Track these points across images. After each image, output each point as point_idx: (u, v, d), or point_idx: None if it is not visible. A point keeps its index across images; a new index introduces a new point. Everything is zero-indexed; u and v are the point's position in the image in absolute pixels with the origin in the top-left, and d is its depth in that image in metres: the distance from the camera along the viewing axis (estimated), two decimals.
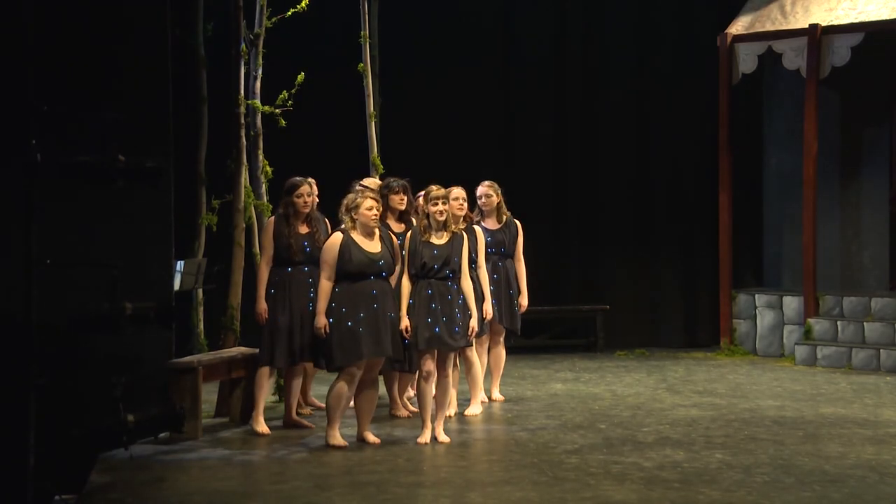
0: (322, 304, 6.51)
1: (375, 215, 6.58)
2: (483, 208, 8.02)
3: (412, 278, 6.65)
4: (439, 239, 6.67)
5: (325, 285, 6.53)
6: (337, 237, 6.56)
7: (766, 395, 8.38)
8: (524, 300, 7.99)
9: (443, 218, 6.65)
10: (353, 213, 6.57)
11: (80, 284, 6.27)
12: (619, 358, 10.54)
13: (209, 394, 7.51)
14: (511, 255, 7.96)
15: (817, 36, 10.09)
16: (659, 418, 7.44)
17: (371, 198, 6.62)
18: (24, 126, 5.67)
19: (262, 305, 6.98)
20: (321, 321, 6.48)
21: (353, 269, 6.50)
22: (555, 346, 11.00)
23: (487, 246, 7.62)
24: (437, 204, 6.64)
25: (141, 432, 6.02)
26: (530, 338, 11.03)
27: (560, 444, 6.59)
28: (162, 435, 6.48)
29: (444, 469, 5.98)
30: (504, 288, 7.88)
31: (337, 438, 6.58)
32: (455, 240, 6.70)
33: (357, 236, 6.54)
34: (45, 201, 5.70)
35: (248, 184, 8.32)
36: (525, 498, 5.32)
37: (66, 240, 6.28)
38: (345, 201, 6.70)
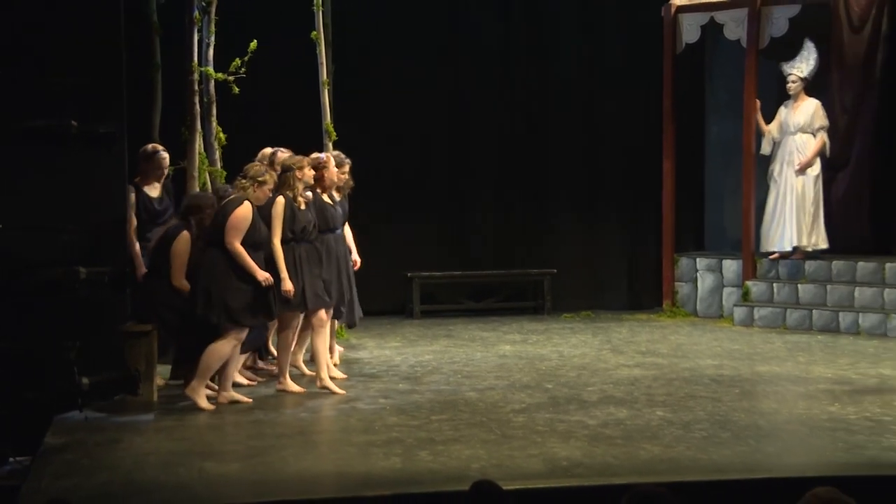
0: (285, 268, 6.76)
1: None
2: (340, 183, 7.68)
3: (288, 242, 6.83)
4: (304, 204, 6.99)
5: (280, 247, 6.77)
6: (281, 201, 6.81)
7: (705, 355, 8.48)
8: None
9: (311, 182, 7.06)
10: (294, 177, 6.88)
11: (33, 249, 6.17)
12: (565, 320, 10.59)
13: None
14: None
15: (757, 7, 10.13)
16: (603, 378, 7.49)
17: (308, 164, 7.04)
18: None
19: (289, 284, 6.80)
20: (289, 285, 6.72)
21: (298, 228, 6.82)
22: (503, 309, 11.02)
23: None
24: (303, 169, 7.00)
25: (96, 395, 5.97)
26: (479, 301, 11.07)
27: (508, 404, 6.62)
28: (117, 397, 6.43)
29: (395, 428, 5.97)
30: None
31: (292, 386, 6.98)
32: (310, 205, 7.06)
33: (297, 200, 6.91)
34: None
35: (202, 150, 8.22)
36: (474, 455, 5.34)
37: (19, 204, 6.16)
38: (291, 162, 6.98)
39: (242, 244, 6.50)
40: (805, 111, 10.13)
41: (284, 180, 6.88)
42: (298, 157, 7.09)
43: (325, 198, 7.26)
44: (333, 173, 7.31)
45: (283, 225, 6.82)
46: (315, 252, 7.06)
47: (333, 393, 6.91)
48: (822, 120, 10.15)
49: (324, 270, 7.10)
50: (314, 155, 7.42)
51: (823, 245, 10.17)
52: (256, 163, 6.93)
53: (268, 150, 7.41)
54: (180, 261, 6.67)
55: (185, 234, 6.72)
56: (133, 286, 6.74)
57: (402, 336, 9.52)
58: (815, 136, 10.13)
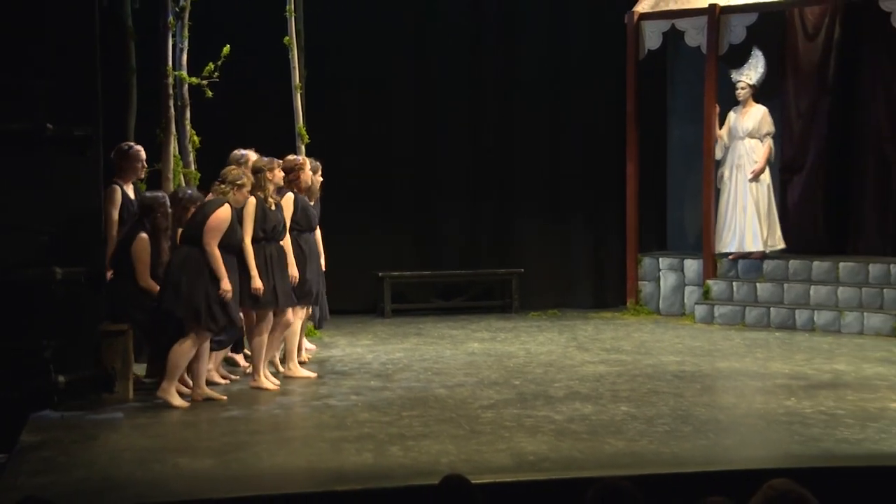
0: (255, 266, 6.82)
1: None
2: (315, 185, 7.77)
3: (259, 241, 6.87)
4: (274, 204, 7.05)
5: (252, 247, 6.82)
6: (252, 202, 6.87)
7: (667, 352, 8.53)
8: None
9: (281, 184, 7.14)
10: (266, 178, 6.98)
11: (10, 249, 6.11)
12: (532, 318, 10.62)
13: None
14: None
15: (716, 15, 10.23)
16: (569, 374, 7.52)
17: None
18: None
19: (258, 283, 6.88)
20: (258, 283, 6.77)
21: (269, 228, 6.94)
22: (472, 307, 11.03)
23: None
24: (273, 170, 7.07)
25: (72, 393, 5.92)
26: (449, 300, 11.09)
27: (477, 400, 6.63)
28: (93, 395, 6.38)
29: (366, 424, 5.97)
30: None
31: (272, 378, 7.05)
32: (279, 206, 7.09)
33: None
34: None
35: (177, 153, 8.18)
36: (443, 451, 5.34)
37: None
38: (261, 164, 7.04)
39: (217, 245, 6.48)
40: (753, 117, 10.25)
41: (256, 181, 6.91)
42: (269, 159, 7.11)
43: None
44: (308, 175, 7.36)
45: (255, 225, 6.86)
46: (299, 250, 7.15)
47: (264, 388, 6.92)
48: (769, 126, 10.28)
49: (307, 269, 7.19)
50: (290, 157, 7.45)
51: (781, 245, 10.29)
52: (233, 166, 6.90)
53: (238, 152, 7.36)
54: (143, 262, 6.66)
55: (143, 235, 6.69)
56: (108, 286, 6.70)
57: (374, 334, 9.52)
58: (762, 141, 10.25)
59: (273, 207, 7.00)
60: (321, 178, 7.69)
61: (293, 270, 7.02)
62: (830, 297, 9.79)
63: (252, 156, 7.19)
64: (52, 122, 6.14)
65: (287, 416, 6.26)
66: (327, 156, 9.36)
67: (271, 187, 6.98)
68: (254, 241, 6.84)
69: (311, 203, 7.54)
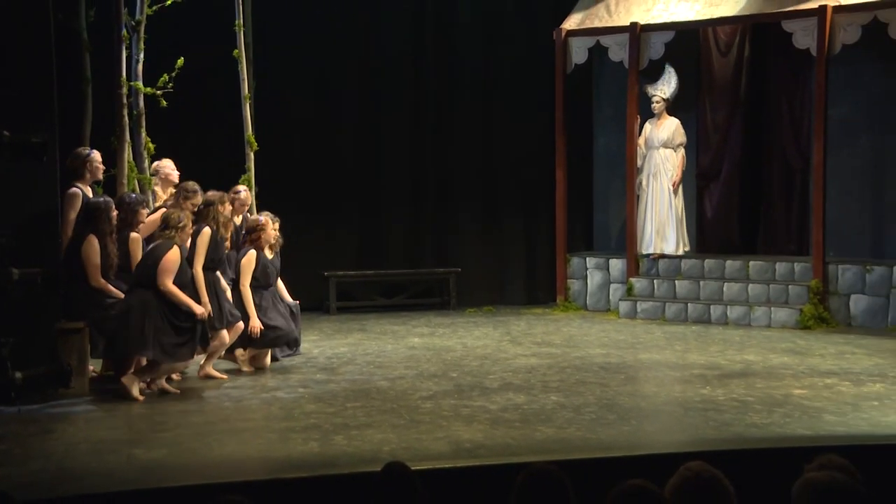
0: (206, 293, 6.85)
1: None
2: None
3: (205, 270, 6.85)
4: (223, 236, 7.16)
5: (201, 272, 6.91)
6: (207, 232, 6.94)
7: (594, 345, 8.63)
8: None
9: (230, 217, 7.24)
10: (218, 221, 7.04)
11: None
12: (469, 314, 10.66)
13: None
14: None
15: (637, 32, 10.37)
16: (503, 367, 7.56)
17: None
18: None
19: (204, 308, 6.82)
20: (205, 308, 6.68)
21: (217, 258, 7.01)
22: (413, 304, 11.04)
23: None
24: (224, 203, 7.13)
25: (29, 389, 5.78)
26: (391, 298, 11.08)
27: (417, 391, 6.63)
28: (50, 391, 6.25)
29: (313, 416, 5.94)
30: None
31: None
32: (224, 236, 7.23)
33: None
34: None
35: (131, 159, 8.06)
36: (385, 439, 5.34)
37: None
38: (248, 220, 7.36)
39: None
40: (667, 128, 10.45)
41: (207, 213, 6.95)
42: (220, 193, 7.14)
43: (268, 252, 7.35)
44: (270, 234, 7.33)
45: (208, 253, 6.87)
46: (258, 303, 7.24)
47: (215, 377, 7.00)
48: (681, 137, 10.48)
49: (273, 316, 7.27)
50: (252, 217, 7.43)
51: (686, 248, 10.51)
52: (173, 211, 6.74)
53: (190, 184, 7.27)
54: (93, 264, 6.60)
55: (92, 237, 6.63)
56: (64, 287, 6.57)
57: (320, 330, 9.47)
58: (675, 151, 10.45)
59: (223, 238, 7.08)
60: (277, 232, 7.58)
61: (206, 306, 6.76)
62: (741, 294, 9.98)
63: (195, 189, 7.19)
64: (9, 129, 6.00)
65: (237, 408, 6.19)
66: (276, 162, 9.28)
67: (222, 219, 7.03)
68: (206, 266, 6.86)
69: (271, 256, 7.47)
